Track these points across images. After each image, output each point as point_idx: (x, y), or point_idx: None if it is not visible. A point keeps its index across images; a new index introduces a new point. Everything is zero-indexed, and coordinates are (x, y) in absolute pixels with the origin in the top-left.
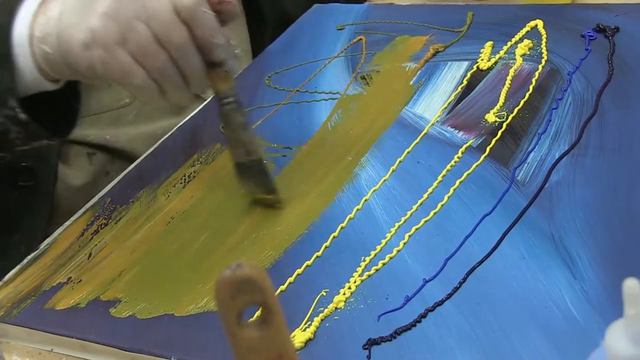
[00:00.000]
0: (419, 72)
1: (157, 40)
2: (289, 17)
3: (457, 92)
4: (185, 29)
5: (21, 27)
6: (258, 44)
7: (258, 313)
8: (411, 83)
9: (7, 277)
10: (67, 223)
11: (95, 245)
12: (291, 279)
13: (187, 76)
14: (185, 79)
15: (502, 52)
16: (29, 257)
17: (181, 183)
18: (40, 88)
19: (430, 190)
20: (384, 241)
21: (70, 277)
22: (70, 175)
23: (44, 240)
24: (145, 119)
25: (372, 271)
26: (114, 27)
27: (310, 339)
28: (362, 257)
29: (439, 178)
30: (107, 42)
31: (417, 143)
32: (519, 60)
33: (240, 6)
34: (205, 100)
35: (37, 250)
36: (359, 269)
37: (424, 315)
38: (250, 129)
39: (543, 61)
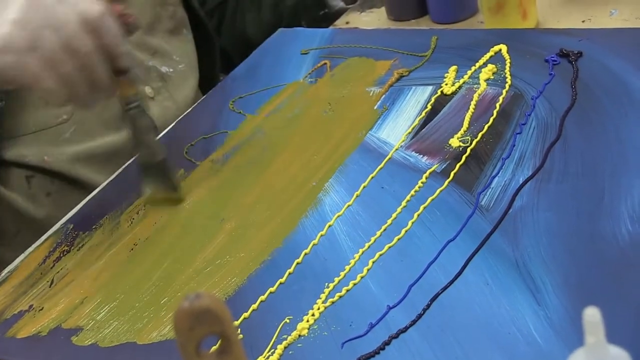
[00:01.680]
0: (383, 96)
1: (65, 48)
2: (251, 41)
3: (421, 116)
4: (92, 38)
5: None
6: (208, 63)
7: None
8: (375, 107)
9: None
10: (29, 250)
11: (58, 272)
12: (254, 306)
13: (94, 82)
14: (92, 85)
15: (466, 77)
16: None
17: (144, 209)
18: None
19: (394, 215)
20: (347, 267)
21: (32, 305)
22: (11, 198)
23: None
24: (84, 136)
25: (336, 298)
26: (24, 35)
27: None
28: (326, 284)
29: (403, 203)
30: (17, 49)
31: (381, 168)
32: (483, 84)
33: (188, 26)
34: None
35: None
36: (323, 296)
37: (387, 343)
38: (154, 132)
39: (507, 86)
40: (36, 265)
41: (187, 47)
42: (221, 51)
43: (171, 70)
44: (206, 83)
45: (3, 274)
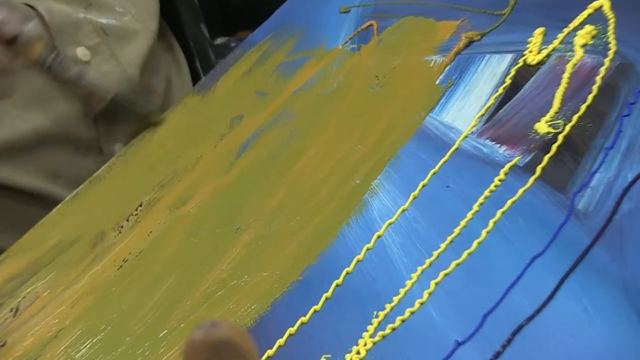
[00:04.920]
0: (447, 67)
1: None
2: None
3: (498, 94)
4: None
5: None
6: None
7: None
8: (437, 82)
9: None
10: None
11: (24, 297)
12: (281, 341)
13: None
14: None
15: (556, 42)
16: None
17: (136, 214)
18: None
19: (462, 223)
20: (402, 291)
21: None
22: None
23: None
24: (1, 121)
25: (388, 330)
26: None
27: None
28: (375, 312)
29: (475, 207)
30: None
31: (445, 161)
32: (579, 52)
33: None
34: None
35: None
36: (371, 328)
37: None
38: (87, 74)
39: (610, 53)
40: None
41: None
42: (231, 6)
43: (113, 21)
44: (184, 43)
45: None
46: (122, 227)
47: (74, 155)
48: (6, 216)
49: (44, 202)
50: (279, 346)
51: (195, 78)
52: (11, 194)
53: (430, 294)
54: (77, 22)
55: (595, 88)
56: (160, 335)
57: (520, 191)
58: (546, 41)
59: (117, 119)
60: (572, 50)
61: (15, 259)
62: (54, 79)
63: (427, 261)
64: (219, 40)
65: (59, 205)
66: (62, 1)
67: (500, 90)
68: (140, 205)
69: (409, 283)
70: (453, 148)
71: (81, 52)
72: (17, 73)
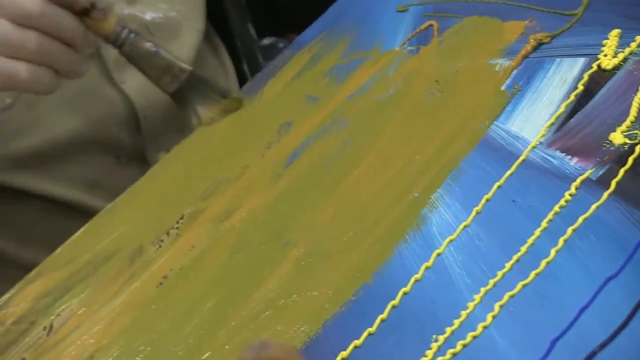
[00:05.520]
0: (514, 72)
1: (17, 24)
2: None
3: (569, 100)
4: None
5: None
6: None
7: None
8: (503, 88)
9: None
10: (20, 284)
11: (58, 314)
12: None
13: (67, 40)
14: (68, 44)
15: (634, 45)
16: None
17: (177, 227)
18: None
19: (530, 241)
20: (464, 313)
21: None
22: None
23: None
24: (39, 124)
25: (448, 355)
26: None
27: None
28: (434, 336)
29: (543, 224)
30: None
31: (511, 173)
32: None
33: None
34: None
35: None
36: (430, 353)
37: None
38: (162, 49)
39: None
40: (28, 305)
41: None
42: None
43: (159, 16)
44: (231, 45)
45: None
46: (162, 241)
47: (115, 164)
48: (40, 230)
49: (81, 215)
50: None
51: (242, 82)
52: (47, 205)
53: (494, 317)
54: (122, 17)
55: None
56: (203, 357)
57: (593, 207)
58: (623, 44)
59: (192, 103)
60: None
61: (49, 275)
62: (126, 56)
63: (491, 281)
64: (266, 41)
65: (95, 217)
66: None
67: (572, 97)
68: (182, 218)
69: (471, 305)
70: (520, 159)
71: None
72: (91, 48)
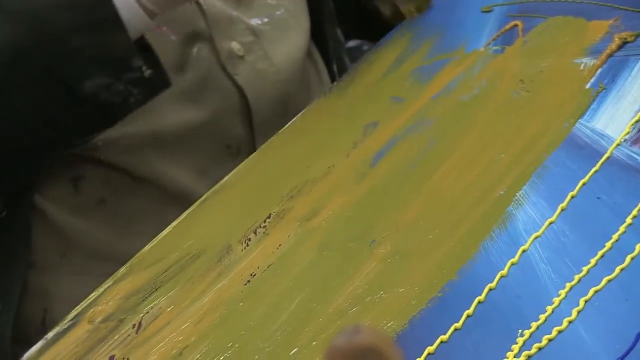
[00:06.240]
0: (599, 71)
1: None
2: None
3: None
4: None
5: None
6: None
7: None
8: (588, 87)
9: (26, 357)
10: (107, 283)
11: (147, 312)
12: None
13: None
14: None
15: None
16: (56, 329)
17: (264, 226)
18: (145, 29)
19: (615, 237)
20: (550, 309)
21: (114, 357)
22: (51, 211)
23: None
24: (154, 111)
25: (534, 350)
26: None
27: None
28: (520, 331)
29: (628, 220)
30: None
31: (596, 171)
32: None
33: None
34: None
35: (66, 321)
36: (516, 347)
37: None
38: None
39: None
40: (117, 303)
41: None
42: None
43: (266, 19)
44: (323, 48)
45: (72, 315)
46: (249, 239)
47: (226, 153)
48: (143, 221)
49: (185, 208)
50: None
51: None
52: (155, 193)
53: (579, 312)
54: (230, 18)
55: None
56: (291, 353)
57: None
58: None
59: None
60: None
61: (138, 273)
62: None
63: (577, 277)
64: (352, 44)
65: (184, 215)
66: None
67: None
68: (269, 217)
69: (556, 300)
70: (605, 157)
71: (236, 47)
72: None
